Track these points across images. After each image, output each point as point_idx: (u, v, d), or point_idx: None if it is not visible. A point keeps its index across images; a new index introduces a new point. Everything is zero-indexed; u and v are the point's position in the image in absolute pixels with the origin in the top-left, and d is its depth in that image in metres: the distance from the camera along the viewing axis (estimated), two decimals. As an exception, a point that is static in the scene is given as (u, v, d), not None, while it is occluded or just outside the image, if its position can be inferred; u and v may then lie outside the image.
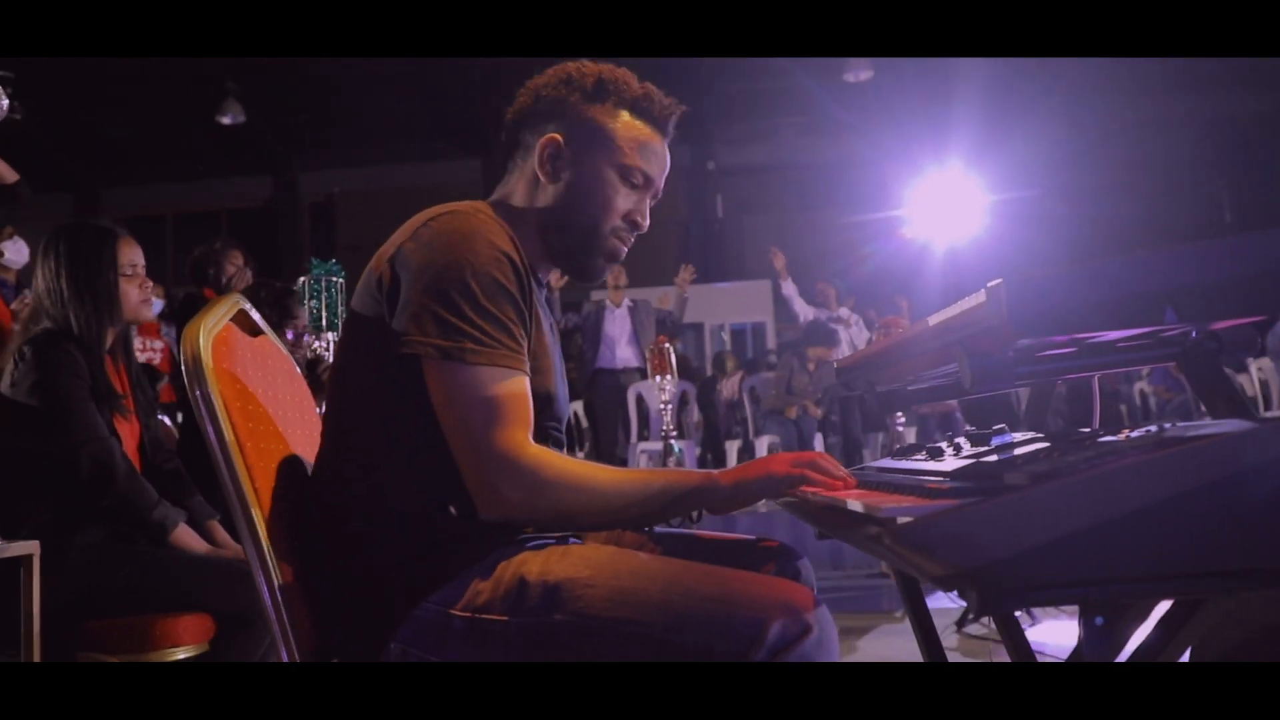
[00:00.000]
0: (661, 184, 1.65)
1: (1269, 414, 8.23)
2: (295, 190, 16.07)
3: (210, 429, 1.44)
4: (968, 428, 1.88)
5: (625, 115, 1.59)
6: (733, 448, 8.70)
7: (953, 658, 3.55)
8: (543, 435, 1.54)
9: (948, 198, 11.59)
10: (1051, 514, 0.98)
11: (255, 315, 1.73)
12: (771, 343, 14.37)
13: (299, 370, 1.84)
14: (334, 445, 1.52)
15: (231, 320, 1.63)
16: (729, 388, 9.68)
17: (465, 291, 1.38)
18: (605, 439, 8.22)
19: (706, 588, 1.29)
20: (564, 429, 1.66)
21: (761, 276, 14.14)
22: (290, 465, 1.58)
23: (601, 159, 1.58)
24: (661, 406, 5.50)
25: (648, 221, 1.64)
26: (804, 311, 8.76)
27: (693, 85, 14.08)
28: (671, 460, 5.44)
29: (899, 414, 5.77)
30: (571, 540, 1.52)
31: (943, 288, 11.19)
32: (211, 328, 1.52)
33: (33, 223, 12.03)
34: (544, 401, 1.53)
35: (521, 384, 1.41)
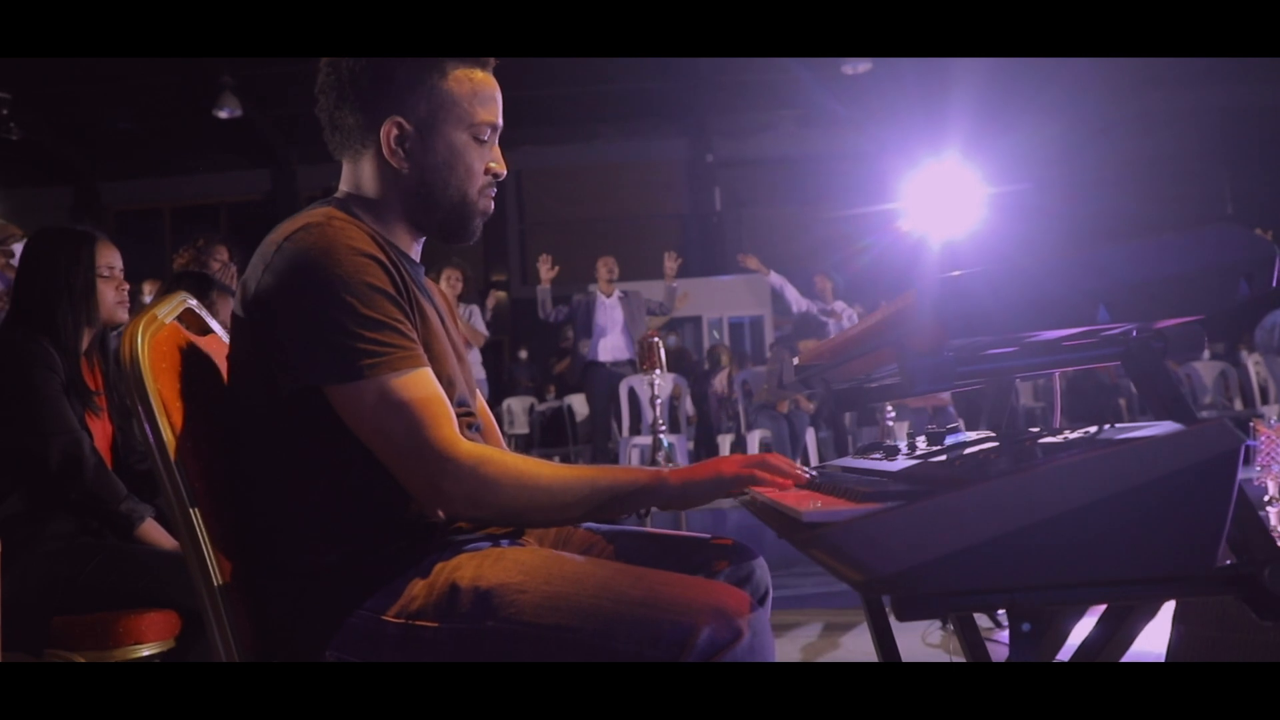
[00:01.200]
0: (501, 119, 1.58)
1: (1266, 408, 8.21)
2: (294, 183, 16.05)
3: (148, 428, 1.43)
4: (930, 426, 1.86)
5: (449, 67, 1.51)
6: (725, 442, 8.68)
7: (938, 656, 3.55)
8: (460, 425, 1.51)
9: (945, 191, 11.56)
10: (968, 519, 0.96)
11: (204, 314, 1.72)
12: (770, 337, 14.35)
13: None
14: (255, 452, 1.49)
15: (178, 319, 1.61)
16: (720, 382, 9.66)
17: (342, 308, 1.35)
18: (599, 432, 8.22)
19: (637, 592, 1.28)
20: (474, 412, 1.62)
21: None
22: (231, 465, 1.57)
23: (449, 128, 1.51)
24: (651, 401, 5.47)
25: (504, 167, 1.59)
26: (797, 302, 8.71)
27: (691, 78, 14.07)
28: (661, 455, 5.41)
29: (889, 408, 5.74)
30: (508, 542, 1.50)
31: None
32: (152, 328, 1.50)
33: (33, 215, 12.05)
34: (445, 388, 1.48)
35: (426, 377, 1.39)
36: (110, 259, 2.67)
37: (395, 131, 1.50)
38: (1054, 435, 1.28)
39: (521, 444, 11.32)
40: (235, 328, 1.47)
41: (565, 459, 8.89)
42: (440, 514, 1.38)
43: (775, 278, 8.72)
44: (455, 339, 1.64)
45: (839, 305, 8.83)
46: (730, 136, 15.47)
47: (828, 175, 14.64)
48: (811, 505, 1.15)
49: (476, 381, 1.73)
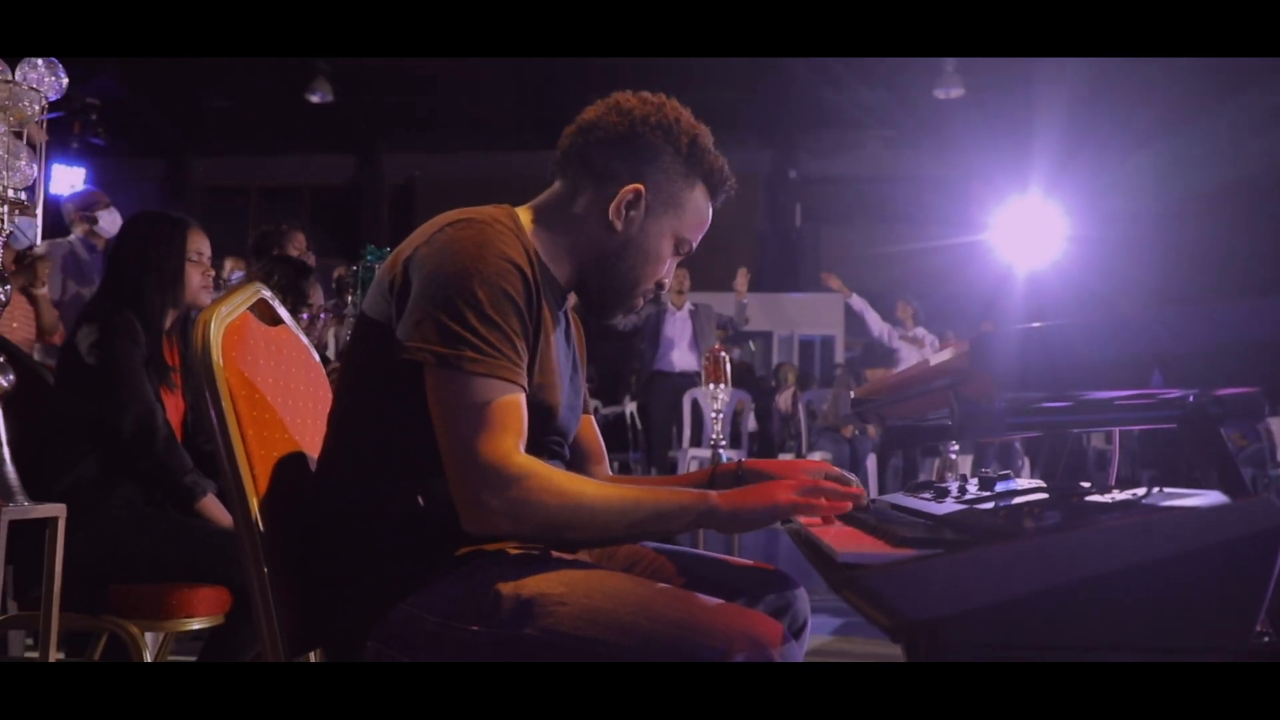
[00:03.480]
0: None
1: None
2: (378, 170, 16.26)
3: (213, 413, 1.48)
4: (983, 470, 1.85)
5: (700, 187, 1.60)
6: (786, 461, 8.61)
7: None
8: (543, 451, 1.53)
9: (1031, 221, 11.39)
10: (1002, 574, 0.97)
11: (276, 304, 1.76)
12: (840, 357, 14.25)
13: (317, 359, 1.87)
14: (333, 442, 1.54)
15: (250, 309, 1.66)
16: (784, 400, 9.62)
17: (471, 300, 1.37)
18: (659, 442, 8.22)
19: (674, 614, 1.29)
20: (567, 445, 1.65)
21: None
22: (291, 455, 1.61)
23: (668, 226, 1.59)
24: (713, 415, 5.46)
25: (668, 284, 1.68)
26: (877, 326, 8.60)
27: (781, 92, 14.00)
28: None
29: (952, 441, 5.68)
30: (553, 554, 1.52)
31: (1025, 313, 10.99)
32: (225, 316, 1.55)
33: (126, 185, 12.35)
34: (545, 415, 1.52)
35: (518, 398, 1.40)
36: (200, 245, 2.81)
37: (633, 195, 1.56)
38: (1103, 494, 1.28)
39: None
40: (373, 294, 1.51)
41: (624, 465, 8.90)
42: (477, 528, 1.36)
43: (857, 300, 8.61)
44: (577, 374, 1.68)
45: (919, 331, 8.68)
46: (815, 154, 15.38)
47: (913, 200, 14.50)
48: (848, 545, 1.16)
49: None
